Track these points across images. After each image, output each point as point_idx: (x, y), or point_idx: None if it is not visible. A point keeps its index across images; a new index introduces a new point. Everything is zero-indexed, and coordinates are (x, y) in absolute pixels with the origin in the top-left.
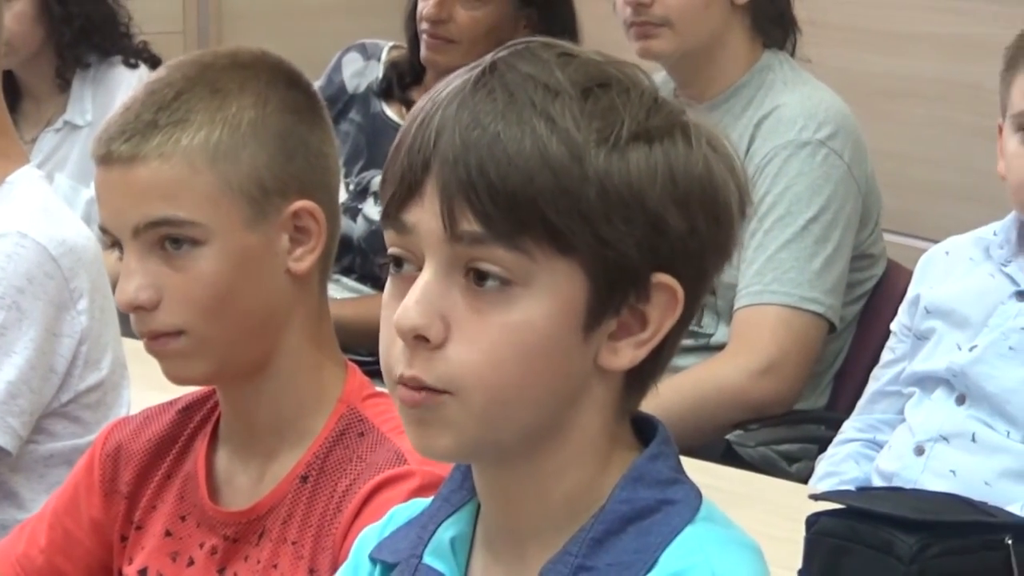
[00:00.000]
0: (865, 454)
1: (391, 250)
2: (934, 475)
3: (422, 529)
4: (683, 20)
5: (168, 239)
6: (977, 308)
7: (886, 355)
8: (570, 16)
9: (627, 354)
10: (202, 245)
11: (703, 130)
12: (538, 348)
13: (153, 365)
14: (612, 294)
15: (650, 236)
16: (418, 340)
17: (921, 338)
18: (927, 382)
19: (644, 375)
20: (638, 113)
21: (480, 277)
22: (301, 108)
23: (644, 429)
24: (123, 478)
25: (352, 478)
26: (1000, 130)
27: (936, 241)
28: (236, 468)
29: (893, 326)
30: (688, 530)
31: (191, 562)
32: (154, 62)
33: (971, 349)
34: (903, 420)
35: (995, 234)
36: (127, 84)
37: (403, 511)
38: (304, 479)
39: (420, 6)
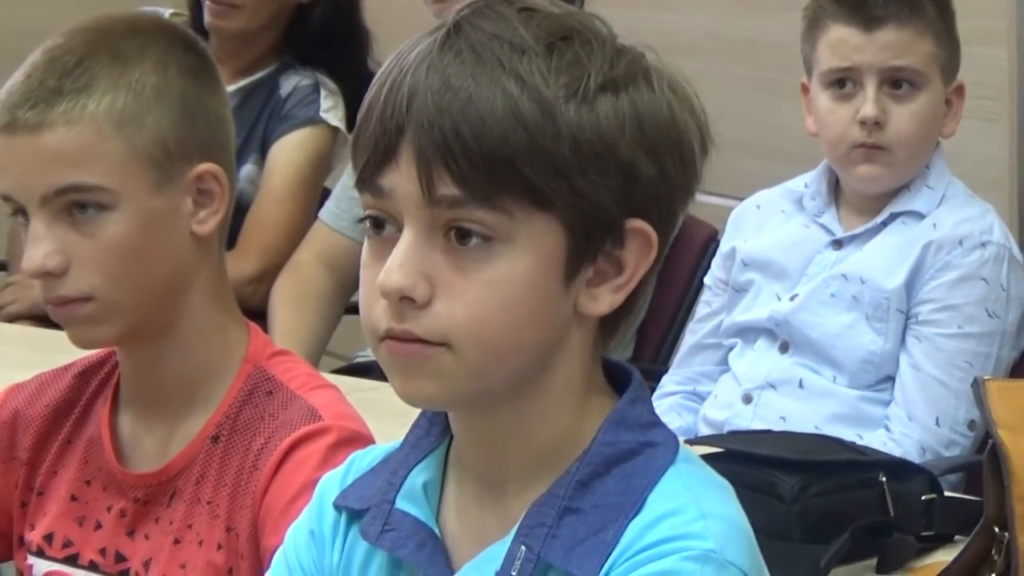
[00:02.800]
0: (687, 405)
1: (368, 212)
2: (764, 422)
3: (392, 475)
4: None
5: (76, 205)
6: (794, 258)
7: (702, 309)
8: None
9: (605, 299)
10: (110, 210)
11: (664, 73)
12: (523, 300)
13: (15, 345)
14: (589, 243)
15: (623, 184)
16: (404, 300)
17: (739, 290)
18: (748, 332)
19: (618, 320)
20: (602, 64)
21: (461, 236)
22: (199, 72)
23: (614, 374)
24: (21, 444)
25: (267, 436)
26: (804, 88)
27: (724, 196)
28: (141, 431)
29: (707, 280)
30: (671, 471)
31: (99, 526)
32: None
33: (792, 298)
34: (724, 371)
35: (806, 186)
36: None
37: (363, 457)
38: (215, 439)
39: None
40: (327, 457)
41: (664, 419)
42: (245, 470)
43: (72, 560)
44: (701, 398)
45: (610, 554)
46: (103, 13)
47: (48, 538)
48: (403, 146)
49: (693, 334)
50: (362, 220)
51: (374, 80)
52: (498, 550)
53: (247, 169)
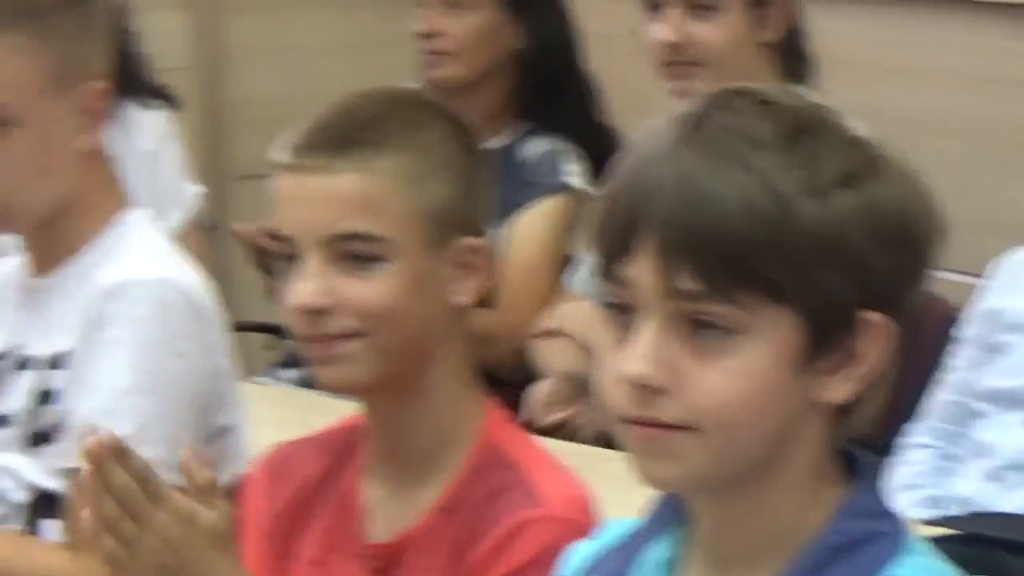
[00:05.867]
0: (940, 467)
1: (609, 299)
2: (1013, 505)
3: (629, 551)
4: (717, 60)
5: (353, 252)
6: None
7: (956, 362)
8: (565, 28)
9: (841, 388)
10: (383, 261)
11: (896, 163)
12: (760, 390)
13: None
14: (825, 334)
15: (858, 277)
16: (644, 387)
17: (994, 351)
18: (1003, 400)
19: (854, 409)
20: (838, 158)
21: (701, 328)
22: (474, 151)
23: (848, 460)
24: (274, 507)
25: (495, 513)
26: None
27: (968, 273)
28: (383, 499)
29: (963, 335)
30: (898, 562)
31: None
32: (172, 102)
33: None
34: (970, 432)
35: None
36: (144, 125)
37: (615, 527)
38: (446, 511)
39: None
40: (546, 546)
41: (921, 480)
42: (469, 545)
43: None
44: (952, 459)
45: None
46: (392, 86)
47: None
48: (644, 239)
49: (944, 387)
50: (604, 306)
51: (613, 173)
52: None
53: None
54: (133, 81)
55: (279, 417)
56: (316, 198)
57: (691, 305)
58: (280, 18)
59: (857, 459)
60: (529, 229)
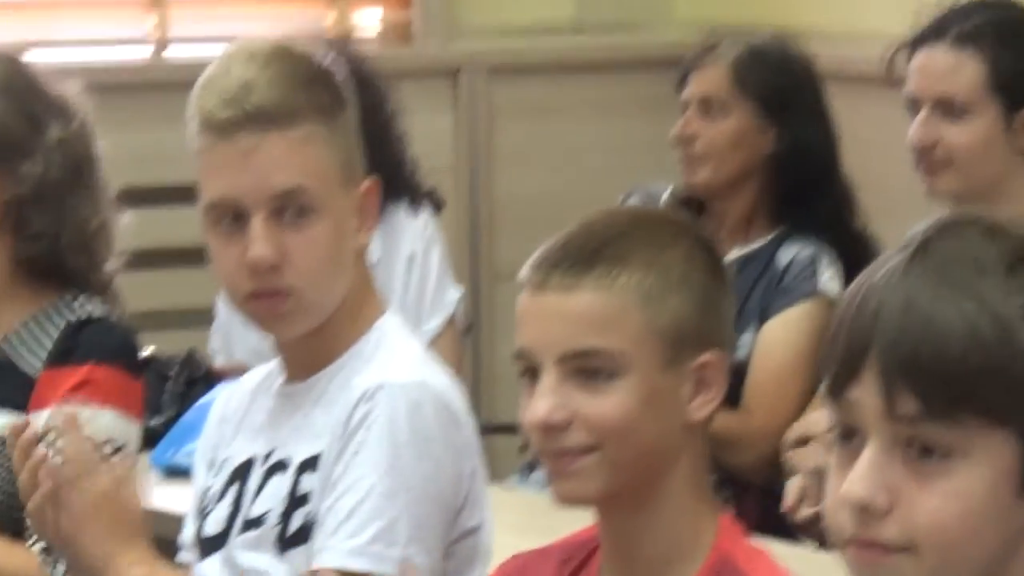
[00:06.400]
0: None
1: (836, 422)
2: None
3: None
4: (966, 162)
5: (589, 368)
6: None
7: None
8: (823, 131)
9: None
10: (620, 377)
11: None
12: (980, 511)
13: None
14: None
15: None
16: (865, 509)
17: None
18: None
19: None
20: None
21: (922, 451)
22: (717, 271)
23: None
24: None
25: None
26: None
27: None
28: None
29: None
30: None
31: None
32: (438, 205)
33: None
34: None
35: None
36: (411, 229)
37: None
38: None
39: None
40: None
41: None
42: None
43: None
44: None
45: None
46: (639, 207)
47: None
48: (869, 362)
49: None
50: (830, 431)
51: (845, 296)
52: None
53: (746, 337)
54: (401, 184)
55: (522, 522)
56: (555, 315)
57: (912, 428)
58: (547, 120)
59: None
60: (782, 332)
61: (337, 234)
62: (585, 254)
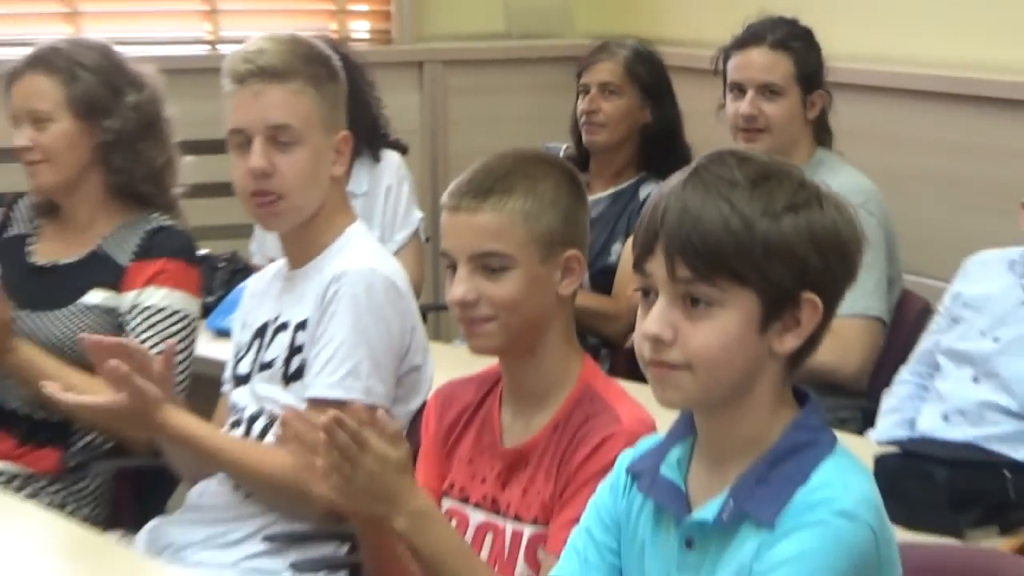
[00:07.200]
0: (919, 394)
1: (639, 285)
2: (952, 437)
3: (658, 454)
4: (777, 129)
5: (489, 265)
6: (999, 308)
7: (932, 326)
8: (674, 110)
9: (788, 343)
10: (510, 270)
11: (832, 197)
12: (733, 342)
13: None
14: (776, 307)
15: (799, 272)
16: (657, 340)
17: (955, 321)
18: (956, 358)
19: (799, 357)
20: (787, 194)
21: (693, 302)
22: (579, 194)
23: (798, 395)
24: (443, 423)
25: (587, 430)
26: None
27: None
28: (512, 420)
29: (939, 308)
30: (829, 459)
31: (483, 480)
32: (403, 150)
33: (995, 340)
34: (933, 382)
35: (1020, 255)
36: (388, 169)
37: (646, 442)
38: (555, 428)
39: (579, 108)
40: (621, 450)
41: (902, 405)
42: (570, 451)
43: (465, 500)
44: (926, 390)
45: (784, 507)
46: (522, 148)
47: (451, 485)
48: (659, 245)
49: (923, 342)
50: (636, 291)
51: (649, 200)
52: (717, 501)
53: (616, 247)
54: (377, 135)
55: (460, 366)
56: (466, 228)
57: (686, 287)
58: (485, 99)
59: (807, 394)
60: None
61: (315, 161)
62: (485, 186)
